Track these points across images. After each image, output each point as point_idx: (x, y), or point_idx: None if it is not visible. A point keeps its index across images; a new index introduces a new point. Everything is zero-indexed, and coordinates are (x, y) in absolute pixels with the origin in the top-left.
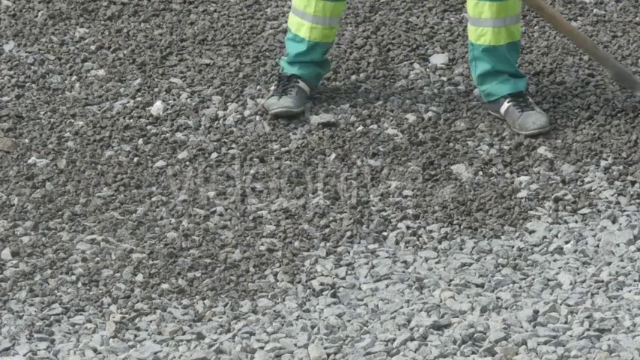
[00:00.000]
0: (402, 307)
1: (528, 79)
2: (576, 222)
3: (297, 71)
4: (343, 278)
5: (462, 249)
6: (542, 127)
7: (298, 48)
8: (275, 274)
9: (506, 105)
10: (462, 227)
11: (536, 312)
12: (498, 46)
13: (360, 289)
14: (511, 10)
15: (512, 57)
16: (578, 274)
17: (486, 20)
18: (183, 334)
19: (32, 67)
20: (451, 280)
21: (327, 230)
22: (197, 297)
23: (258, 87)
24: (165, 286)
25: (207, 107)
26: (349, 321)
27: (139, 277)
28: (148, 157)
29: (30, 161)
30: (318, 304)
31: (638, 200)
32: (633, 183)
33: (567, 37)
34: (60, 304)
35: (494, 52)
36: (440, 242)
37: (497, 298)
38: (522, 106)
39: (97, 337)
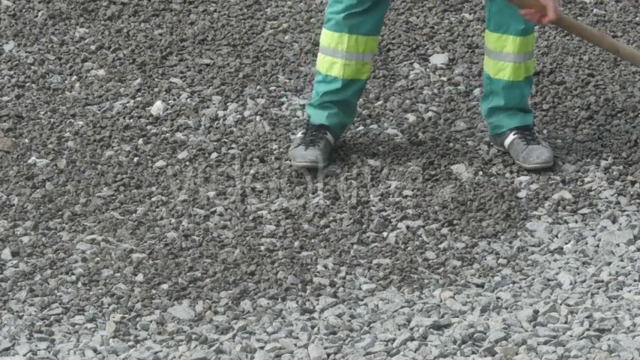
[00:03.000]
0: (402, 307)
1: None
2: (576, 222)
3: (326, 121)
4: (343, 278)
5: (461, 249)
6: (546, 162)
7: (331, 86)
8: (275, 274)
9: (511, 137)
10: (462, 227)
11: (536, 312)
12: (517, 82)
13: (360, 289)
14: (531, 45)
15: (527, 91)
16: (578, 274)
17: (508, 55)
18: (184, 334)
19: (32, 67)
20: (451, 280)
21: (327, 230)
22: (197, 297)
23: (258, 87)
24: (165, 286)
25: (207, 107)
26: (349, 321)
27: (139, 277)
28: (148, 157)
29: (30, 161)
30: (318, 304)
31: (638, 200)
32: (633, 183)
33: (609, 51)
34: (60, 304)
35: (512, 88)
36: (440, 242)
37: (497, 298)
38: (528, 139)
39: (97, 337)
